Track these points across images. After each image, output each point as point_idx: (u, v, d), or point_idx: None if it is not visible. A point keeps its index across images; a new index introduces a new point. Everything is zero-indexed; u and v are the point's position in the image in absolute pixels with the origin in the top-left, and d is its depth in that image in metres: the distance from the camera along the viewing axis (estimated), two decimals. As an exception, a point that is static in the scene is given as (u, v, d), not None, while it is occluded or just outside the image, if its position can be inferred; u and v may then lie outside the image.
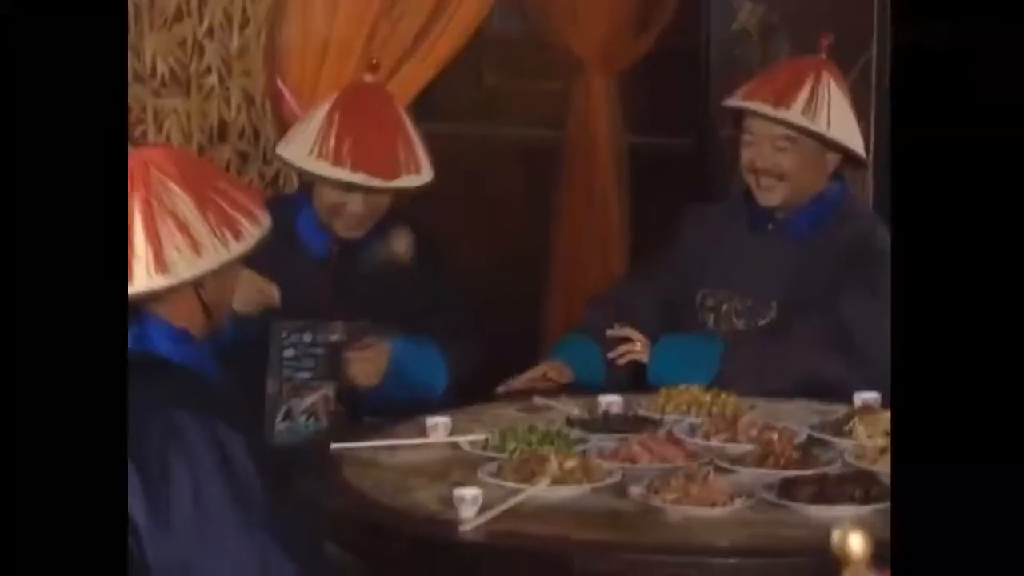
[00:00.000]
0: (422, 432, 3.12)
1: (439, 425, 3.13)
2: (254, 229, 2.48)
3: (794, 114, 3.52)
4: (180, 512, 2.23)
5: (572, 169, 5.29)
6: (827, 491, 2.69)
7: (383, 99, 3.61)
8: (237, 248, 2.45)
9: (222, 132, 3.94)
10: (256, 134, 3.99)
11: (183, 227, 2.40)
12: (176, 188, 2.42)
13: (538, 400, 3.41)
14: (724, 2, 5.25)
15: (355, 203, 3.53)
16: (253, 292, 3.31)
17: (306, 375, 3.40)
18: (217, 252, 2.42)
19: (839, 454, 2.96)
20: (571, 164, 5.29)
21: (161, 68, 3.81)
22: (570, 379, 3.56)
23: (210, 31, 3.89)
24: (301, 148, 3.51)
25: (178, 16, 3.84)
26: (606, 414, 3.23)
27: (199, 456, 2.26)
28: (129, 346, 2.35)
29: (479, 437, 3.06)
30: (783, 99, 3.53)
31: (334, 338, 3.45)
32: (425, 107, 4.76)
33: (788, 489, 2.72)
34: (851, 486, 2.69)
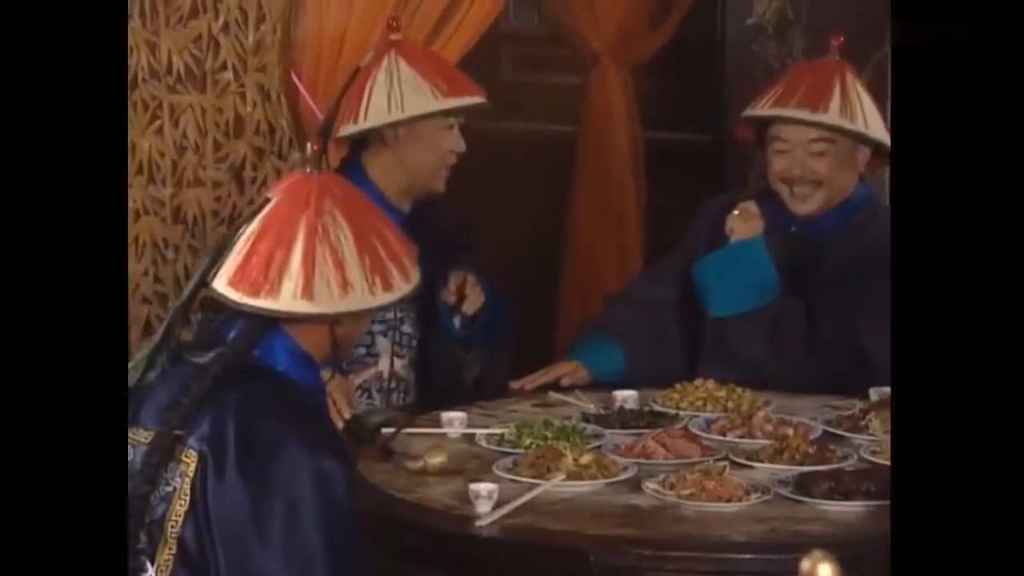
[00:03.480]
0: (438, 427, 3.12)
1: (455, 420, 3.13)
2: (403, 284, 2.44)
3: (832, 116, 3.50)
4: (273, 529, 2.25)
5: (588, 163, 5.28)
6: (843, 486, 2.69)
7: (418, 45, 3.68)
8: (383, 298, 2.42)
9: (238, 128, 3.94)
10: (272, 129, 3.99)
11: (339, 263, 2.37)
12: (343, 222, 2.39)
13: (553, 395, 3.41)
14: (739, -3, 5.25)
15: (457, 140, 3.47)
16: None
17: (362, 351, 3.42)
18: (363, 297, 2.39)
19: (855, 449, 2.96)
20: (587, 158, 5.28)
21: (177, 64, 3.81)
22: (586, 379, 3.52)
23: (225, 27, 3.89)
24: (415, 100, 3.44)
25: (193, 12, 3.84)
26: (621, 409, 3.23)
27: (299, 485, 2.27)
28: (254, 354, 2.38)
29: (495, 431, 3.06)
30: (818, 103, 3.50)
31: (389, 315, 3.46)
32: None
33: (804, 484, 2.72)
34: (867, 481, 2.69)
